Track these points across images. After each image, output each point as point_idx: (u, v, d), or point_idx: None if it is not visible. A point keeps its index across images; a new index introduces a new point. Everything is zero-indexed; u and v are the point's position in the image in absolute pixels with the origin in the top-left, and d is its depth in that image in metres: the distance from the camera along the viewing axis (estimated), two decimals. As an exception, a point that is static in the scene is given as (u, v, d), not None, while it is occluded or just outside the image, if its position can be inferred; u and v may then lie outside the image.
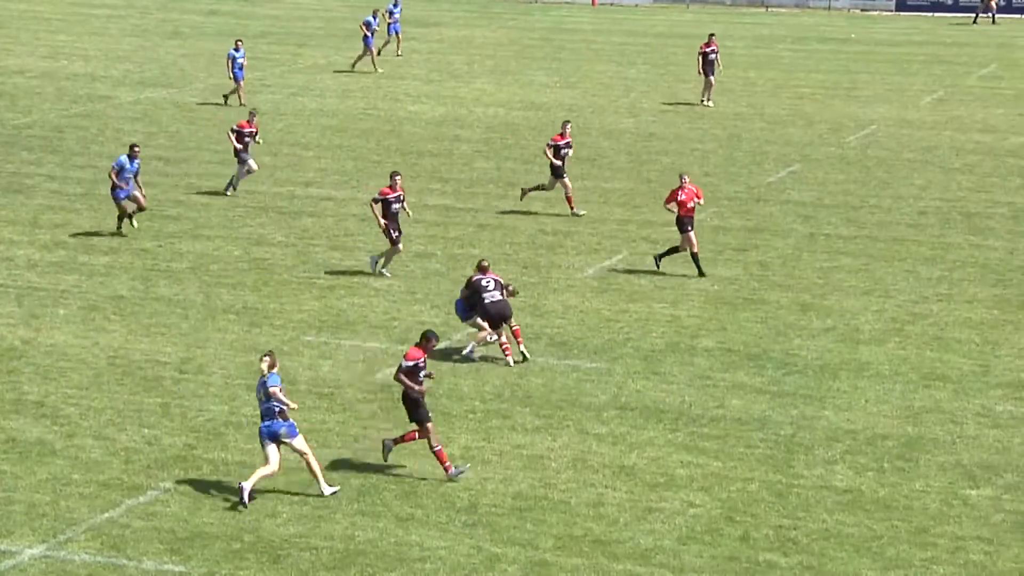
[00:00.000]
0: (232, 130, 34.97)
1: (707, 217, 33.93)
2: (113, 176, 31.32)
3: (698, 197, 29.23)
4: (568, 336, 25.60)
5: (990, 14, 70.87)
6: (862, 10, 75.98)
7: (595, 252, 31.18)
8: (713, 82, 48.12)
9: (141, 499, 19.16)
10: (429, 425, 19.77)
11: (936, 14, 73.98)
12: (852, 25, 70.50)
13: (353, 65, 54.02)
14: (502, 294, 24.31)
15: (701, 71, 47.98)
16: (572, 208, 33.84)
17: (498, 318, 24.11)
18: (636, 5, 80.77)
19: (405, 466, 20.15)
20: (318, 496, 19.16)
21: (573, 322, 26.37)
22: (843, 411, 22.32)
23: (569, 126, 34.14)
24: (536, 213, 34.13)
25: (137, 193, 31.68)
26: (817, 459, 20.55)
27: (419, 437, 19.87)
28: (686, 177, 29.44)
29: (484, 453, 20.67)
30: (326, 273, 29.35)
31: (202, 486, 19.52)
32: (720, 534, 18.29)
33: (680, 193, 29.02)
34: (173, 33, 65.92)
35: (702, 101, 48.19)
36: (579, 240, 32.07)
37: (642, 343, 25.25)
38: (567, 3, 77.50)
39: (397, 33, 57.61)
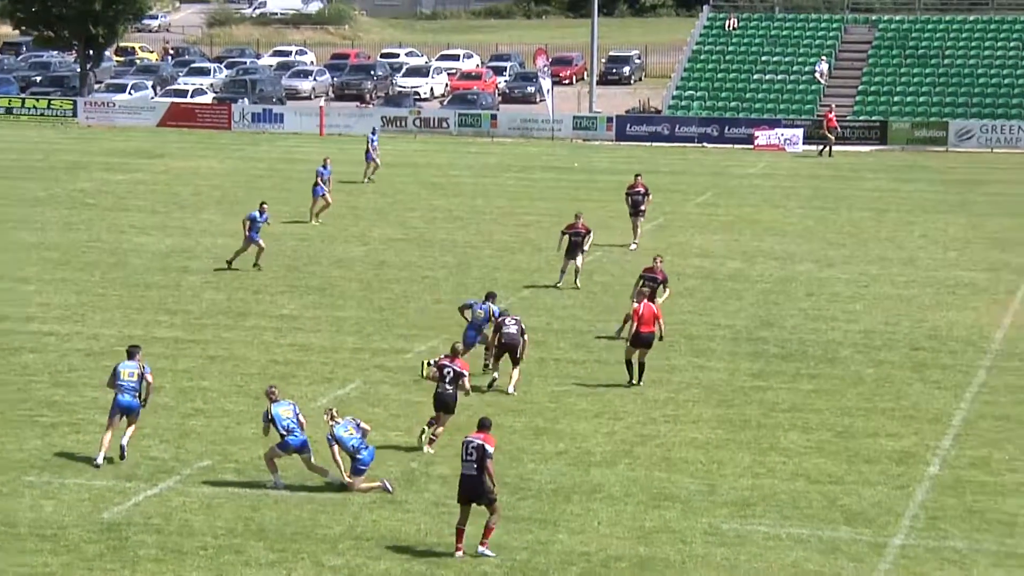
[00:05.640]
0: None
1: (440, 345, 34.13)
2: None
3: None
4: (302, 467, 25.26)
5: (828, 146, 71.68)
6: (584, 140, 78.21)
7: (328, 381, 30.99)
8: (639, 224, 46.26)
9: None
10: None
11: (654, 144, 76.60)
12: (575, 154, 72.42)
13: (311, 217, 49.99)
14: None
15: (631, 213, 46.08)
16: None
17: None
18: (363, 135, 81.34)
19: (134, 608, 19.51)
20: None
21: (306, 453, 26.03)
22: (577, 534, 22.53)
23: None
24: (268, 343, 33.82)
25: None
26: (553, 583, 20.66)
27: None
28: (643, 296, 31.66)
29: (217, 591, 20.16)
30: (48, 410, 28.41)
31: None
32: (459, 663, 18.17)
33: (638, 310, 30.72)
34: None
35: (630, 246, 45.85)
36: (311, 369, 31.84)
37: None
38: (295, 134, 77.67)
39: (373, 160, 59.43)
